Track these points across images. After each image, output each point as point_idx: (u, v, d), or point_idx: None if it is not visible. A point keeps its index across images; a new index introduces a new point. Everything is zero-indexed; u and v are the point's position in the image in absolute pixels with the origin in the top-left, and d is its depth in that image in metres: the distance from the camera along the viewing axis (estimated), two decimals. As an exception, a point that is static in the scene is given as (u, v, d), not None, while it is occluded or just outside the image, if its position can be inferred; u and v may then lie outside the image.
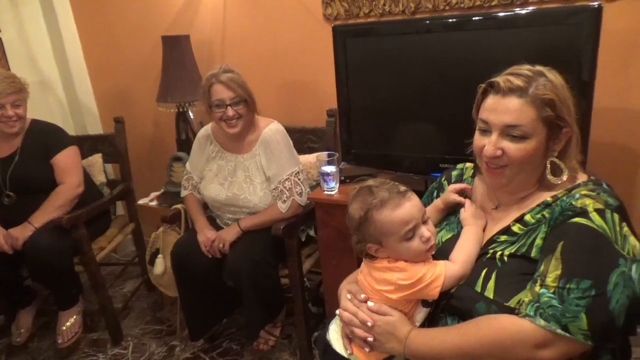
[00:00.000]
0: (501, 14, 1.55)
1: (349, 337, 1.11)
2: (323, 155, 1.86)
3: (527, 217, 1.03)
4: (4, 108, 2.05)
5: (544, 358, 0.89)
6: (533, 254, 0.98)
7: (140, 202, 2.51)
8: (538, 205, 1.03)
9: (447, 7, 1.90)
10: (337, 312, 1.14)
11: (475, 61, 1.53)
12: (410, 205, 1.02)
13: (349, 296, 1.12)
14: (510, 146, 0.99)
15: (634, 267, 0.89)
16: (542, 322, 0.88)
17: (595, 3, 1.36)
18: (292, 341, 2.20)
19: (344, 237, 1.71)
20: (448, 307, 1.05)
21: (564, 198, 0.99)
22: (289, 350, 2.15)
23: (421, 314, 1.06)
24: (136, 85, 2.82)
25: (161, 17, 2.57)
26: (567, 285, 0.88)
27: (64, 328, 2.19)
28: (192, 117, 2.48)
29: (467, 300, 1.01)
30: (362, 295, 1.09)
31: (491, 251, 1.04)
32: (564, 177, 1.01)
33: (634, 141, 1.76)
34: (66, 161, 2.19)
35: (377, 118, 1.84)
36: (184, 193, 2.15)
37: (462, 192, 1.21)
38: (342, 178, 1.88)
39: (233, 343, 2.23)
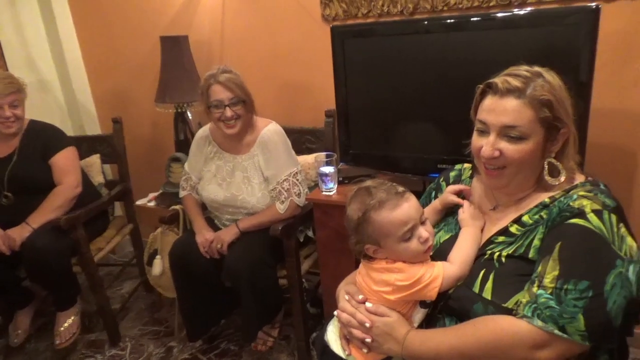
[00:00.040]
0: (499, 15, 1.55)
1: (347, 338, 1.11)
2: (321, 155, 1.86)
3: (525, 218, 1.03)
4: (2, 108, 2.04)
5: (541, 359, 0.90)
6: (531, 254, 0.98)
7: (139, 202, 2.51)
8: (536, 206, 1.03)
9: (445, 8, 1.90)
10: (335, 313, 1.14)
11: (474, 62, 1.53)
12: (408, 206, 1.02)
13: (347, 297, 1.12)
14: (508, 147, 1.00)
15: (631, 268, 0.89)
16: (540, 323, 0.88)
17: (593, 4, 1.37)
18: (290, 342, 2.20)
19: (342, 238, 1.71)
20: (446, 308, 1.05)
21: (562, 199, 0.99)
22: (287, 351, 2.15)
23: (419, 314, 1.07)
24: (134, 86, 2.82)
25: (160, 17, 2.56)
26: (565, 286, 0.88)
27: (62, 329, 2.18)
28: (190, 117, 2.48)
29: (465, 301, 1.01)
30: (360, 296, 1.09)
31: (489, 252, 1.04)
32: (562, 178, 1.02)
33: (632, 142, 1.77)
34: (64, 162, 2.18)
35: (375, 119, 1.84)
36: (182, 194, 2.15)
37: (460, 193, 1.21)
38: (341, 179, 1.88)
39: (231, 344, 2.23)
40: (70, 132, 2.70)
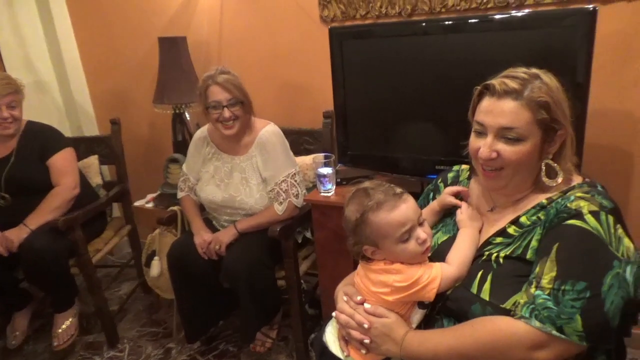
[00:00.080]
0: (497, 17, 1.56)
1: (345, 339, 1.11)
2: (319, 157, 1.86)
3: (523, 219, 1.04)
4: (-1, 109, 2.04)
5: (539, 359, 0.90)
6: (528, 255, 0.99)
7: (137, 203, 2.51)
8: (533, 207, 1.03)
9: (443, 10, 1.90)
10: (334, 314, 1.14)
11: (472, 63, 1.53)
12: (406, 207, 1.03)
13: (345, 298, 1.12)
14: (505, 148, 1.00)
15: (628, 269, 0.89)
16: (538, 324, 0.88)
17: (590, 6, 1.37)
18: (288, 343, 2.20)
19: (340, 239, 1.71)
20: (444, 308, 1.05)
21: (559, 200, 0.99)
22: (286, 352, 2.15)
23: (417, 315, 1.07)
24: (132, 87, 2.82)
25: (158, 18, 2.56)
26: (562, 287, 0.88)
27: (60, 331, 2.18)
28: (188, 118, 2.48)
29: (463, 302, 1.01)
30: (359, 297, 1.09)
31: (487, 253, 1.05)
32: (559, 180, 1.02)
33: (629, 143, 1.77)
34: (62, 163, 2.18)
35: (373, 120, 1.85)
36: (180, 195, 2.15)
37: (458, 195, 1.22)
38: (339, 180, 1.88)
39: (230, 345, 2.23)
40: (68, 133, 2.70)
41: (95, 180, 2.47)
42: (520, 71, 1.01)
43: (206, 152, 2.05)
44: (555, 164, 1.02)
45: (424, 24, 1.70)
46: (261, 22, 2.32)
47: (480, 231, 1.13)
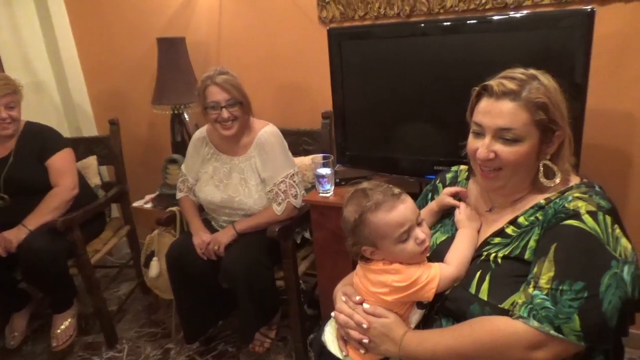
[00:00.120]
0: (495, 18, 1.56)
1: (344, 339, 1.11)
2: (318, 157, 1.86)
3: (521, 220, 1.04)
4: (-2, 110, 2.04)
5: (537, 359, 0.90)
6: (527, 256, 0.99)
7: (135, 204, 2.51)
8: (531, 208, 1.04)
9: (441, 10, 1.91)
10: (333, 314, 1.14)
11: (470, 64, 1.53)
12: (405, 207, 1.03)
13: (344, 298, 1.12)
14: (503, 149, 1.00)
15: (625, 269, 0.90)
16: (536, 324, 0.89)
17: (588, 7, 1.38)
18: (287, 343, 2.20)
19: (339, 240, 1.71)
20: (443, 308, 1.05)
21: (557, 200, 1.00)
22: (285, 353, 2.15)
23: (416, 315, 1.07)
24: (131, 87, 2.82)
25: (157, 18, 2.57)
26: (560, 287, 0.89)
27: (59, 331, 2.18)
28: (187, 119, 2.48)
29: (461, 302, 1.02)
30: (357, 297, 1.09)
31: (485, 253, 1.05)
32: (557, 180, 1.02)
33: (627, 144, 1.78)
34: (61, 163, 2.18)
35: (372, 120, 1.85)
36: (179, 195, 2.15)
37: (456, 196, 1.22)
38: (337, 180, 1.89)
39: (228, 345, 2.23)
40: (66, 133, 2.70)
41: (94, 180, 2.47)
42: (518, 72, 1.02)
43: (205, 152, 2.06)
44: (553, 165, 1.03)
45: (422, 24, 1.71)
46: (260, 23, 2.32)
47: (478, 231, 1.13)
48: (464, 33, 1.58)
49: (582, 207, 0.94)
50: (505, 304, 0.96)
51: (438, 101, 1.66)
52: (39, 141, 2.18)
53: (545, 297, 0.89)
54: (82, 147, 2.51)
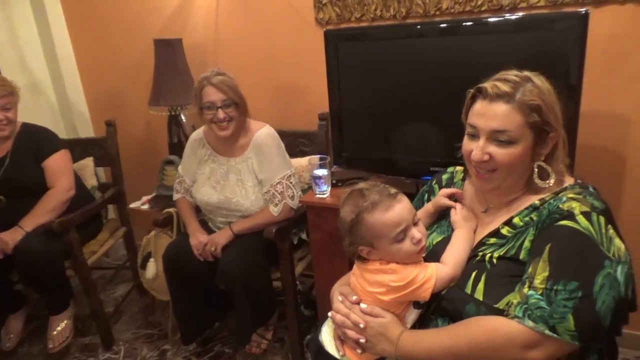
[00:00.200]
0: (491, 20, 1.57)
1: (341, 339, 1.12)
2: (315, 158, 1.87)
3: (516, 220, 1.05)
4: (-6, 112, 2.04)
5: (532, 358, 0.91)
6: (522, 256, 1.00)
7: (132, 205, 2.50)
8: (526, 208, 1.05)
9: (437, 12, 1.92)
10: (330, 314, 1.15)
11: (466, 66, 1.54)
12: (401, 207, 1.03)
13: (340, 298, 1.13)
14: (497, 151, 1.01)
15: (619, 269, 0.90)
16: (531, 323, 0.89)
17: (582, 9, 1.39)
18: (284, 344, 2.20)
19: (336, 240, 1.71)
20: (439, 308, 1.06)
21: (552, 201, 1.01)
22: (281, 354, 2.15)
23: (412, 315, 1.08)
24: (128, 89, 2.82)
25: (154, 19, 2.57)
26: (555, 287, 0.89)
27: (55, 333, 2.18)
28: (184, 120, 2.48)
29: (457, 301, 1.02)
30: (354, 297, 1.10)
31: (481, 254, 1.06)
32: (551, 181, 1.03)
33: (621, 145, 1.79)
34: (57, 164, 2.18)
35: (368, 122, 1.86)
36: (176, 196, 2.15)
37: (452, 197, 1.23)
38: (334, 181, 1.89)
39: (225, 347, 2.23)
40: (63, 134, 2.70)
41: (91, 182, 2.47)
42: (512, 74, 1.03)
43: (202, 153, 2.06)
44: (548, 166, 1.04)
45: (418, 26, 1.72)
46: (257, 25, 2.33)
47: (474, 232, 1.14)
48: (460, 35, 1.59)
49: (576, 207, 0.95)
50: (501, 304, 0.97)
51: (434, 102, 1.66)
52: (36, 142, 2.18)
53: (540, 297, 0.90)
54: (78, 148, 2.50)
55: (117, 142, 2.52)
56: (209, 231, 2.05)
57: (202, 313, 2.09)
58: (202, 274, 1.96)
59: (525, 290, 0.93)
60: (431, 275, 1.03)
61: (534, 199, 1.04)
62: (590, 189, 1.03)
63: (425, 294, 1.03)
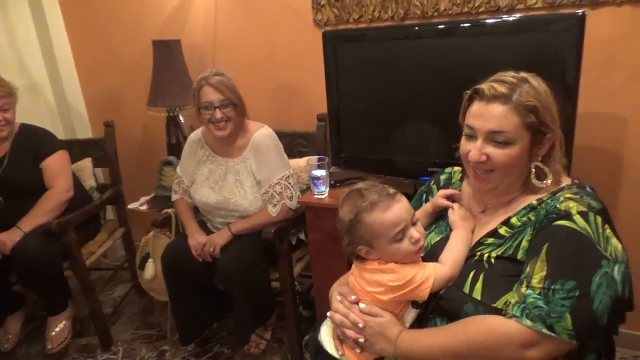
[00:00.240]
0: (488, 21, 1.58)
1: (340, 338, 1.12)
2: (313, 159, 1.87)
3: (514, 220, 1.05)
4: (-7, 112, 2.04)
5: (530, 357, 0.91)
6: (519, 256, 1.00)
7: (131, 206, 2.50)
8: (524, 208, 1.05)
9: (435, 14, 1.92)
10: (329, 313, 1.15)
11: (464, 67, 1.55)
12: (400, 207, 1.04)
13: (339, 298, 1.13)
14: (494, 152, 1.02)
15: (616, 268, 0.91)
16: (529, 323, 0.90)
17: (579, 11, 1.40)
18: (283, 345, 2.20)
19: (334, 241, 1.72)
20: (437, 308, 1.06)
21: (549, 201, 1.01)
22: (280, 354, 2.15)
23: (411, 314, 1.08)
24: (126, 89, 2.82)
25: (152, 20, 2.57)
26: (552, 286, 0.90)
27: (53, 333, 2.17)
28: (182, 121, 2.49)
29: (455, 301, 1.03)
30: (353, 297, 1.10)
31: (479, 253, 1.06)
32: (548, 181, 1.04)
33: (618, 145, 1.80)
34: (55, 165, 2.18)
35: (366, 122, 1.86)
36: (174, 197, 2.15)
37: (450, 197, 1.23)
38: (332, 182, 1.90)
39: (224, 347, 2.23)
40: (61, 135, 2.70)
41: (89, 182, 2.47)
42: (509, 75, 1.03)
43: (200, 154, 2.06)
44: (545, 166, 1.04)
45: (416, 27, 1.73)
46: (255, 26, 2.33)
47: (472, 232, 1.14)
48: (458, 36, 1.60)
49: (574, 207, 0.95)
50: (499, 304, 0.97)
51: (432, 103, 1.67)
52: (34, 143, 2.18)
53: (537, 296, 0.90)
54: (76, 149, 2.50)
55: (115, 143, 2.52)
56: (208, 232, 2.05)
57: (201, 313, 2.09)
58: (200, 274, 1.96)
59: (523, 289, 0.93)
60: (429, 275, 1.04)
61: (532, 199, 1.05)
62: (588, 189, 1.04)
63: (423, 294, 1.04)
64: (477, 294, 1.01)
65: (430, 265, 1.06)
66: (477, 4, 1.84)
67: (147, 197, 2.50)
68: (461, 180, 1.27)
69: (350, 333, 1.07)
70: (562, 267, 0.91)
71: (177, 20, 2.51)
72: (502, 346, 0.93)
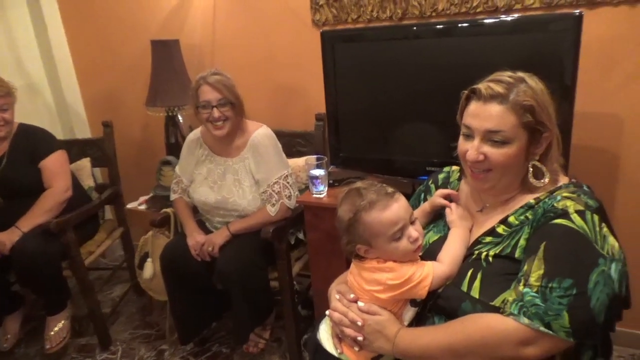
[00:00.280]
0: (486, 21, 1.59)
1: (339, 337, 1.12)
2: (312, 158, 1.88)
3: (511, 219, 1.06)
4: (-9, 112, 2.04)
5: (528, 355, 0.92)
6: (517, 254, 1.01)
7: (129, 206, 2.50)
8: (521, 207, 1.06)
9: (433, 14, 1.93)
10: (327, 312, 1.16)
11: (461, 67, 1.55)
12: (398, 206, 1.04)
13: (338, 296, 1.14)
14: (492, 151, 1.02)
15: (613, 266, 0.92)
16: (526, 321, 0.90)
17: (576, 11, 1.41)
18: (281, 344, 2.21)
19: (333, 240, 1.73)
20: (435, 306, 1.07)
21: (546, 200, 1.02)
22: (279, 353, 2.16)
23: (409, 313, 1.09)
24: (125, 89, 2.82)
25: (151, 20, 2.57)
26: (550, 285, 0.90)
27: (52, 333, 2.17)
28: (181, 121, 2.49)
29: (453, 299, 1.03)
30: (352, 295, 1.11)
31: (477, 252, 1.07)
32: (546, 180, 1.04)
33: (615, 145, 1.81)
34: (54, 165, 2.18)
35: (365, 122, 1.87)
36: (173, 197, 2.15)
37: (448, 197, 1.24)
38: (331, 181, 1.90)
39: (223, 346, 2.23)
40: (60, 135, 2.70)
41: (88, 182, 2.47)
42: (506, 75, 1.04)
43: (199, 154, 2.06)
44: (542, 165, 1.05)
45: (414, 27, 1.73)
46: (254, 26, 2.34)
47: (470, 231, 1.15)
48: (456, 36, 1.60)
49: (571, 206, 0.96)
50: (496, 302, 0.98)
51: (430, 103, 1.68)
52: (32, 143, 2.18)
53: (535, 294, 0.91)
54: (75, 149, 2.50)
55: (114, 143, 2.52)
56: (206, 231, 2.05)
57: (200, 313, 2.09)
58: (199, 274, 1.96)
59: (521, 287, 0.94)
60: (428, 274, 1.04)
61: (529, 198, 1.06)
62: (585, 187, 1.04)
63: (422, 292, 1.04)
64: (475, 293, 1.01)
65: (429, 264, 1.06)
66: (475, 4, 1.84)
67: (146, 197, 2.50)
68: (459, 179, 1.28)
69: (349, 331, 1.08)
70: (560, 265, 0.92)
71: (175, 20, 2.51)
72: (500, 344, 0.93)
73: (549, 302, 0.89)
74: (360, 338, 1.06)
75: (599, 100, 1.77)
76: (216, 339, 2.29)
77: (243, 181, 1.97)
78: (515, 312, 0.92)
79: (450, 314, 1.03)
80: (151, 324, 2.45)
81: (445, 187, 1.29)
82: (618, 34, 1.69)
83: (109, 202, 2.53)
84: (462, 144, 1.08)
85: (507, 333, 0.92)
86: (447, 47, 1.62)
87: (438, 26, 1.65)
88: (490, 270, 1.03)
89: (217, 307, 2.14)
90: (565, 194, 1.00)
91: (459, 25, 1.60)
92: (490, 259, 1.04)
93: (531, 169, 1.05)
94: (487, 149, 1.03)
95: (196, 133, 2.08)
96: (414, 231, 1.05)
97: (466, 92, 1.08)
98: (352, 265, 1.14)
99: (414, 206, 1.31)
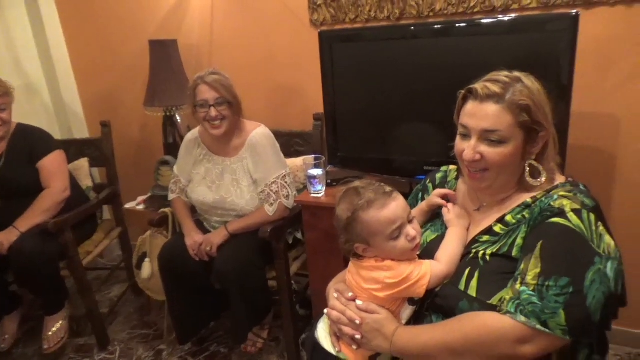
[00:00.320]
0: (483, 21, 1.60)
1: (337, 335, 1.13)
2: (310, 158, 1.88)
3: (508, 218, 1.06)
4: (-11, 112, 2.04)
5: (524, 353, 0.92)
6: (514, 253, 1.01)
7: (127, 206, 2.51)
8: (518, 206, 1.06)
9: (431, 14, 1.94)
10: (326, 311, 1.16)
11: (459, 66, 1.55)
12: (396, 205, 1.05)
13: (336, 295, 1.14)
14: (488, 150, 1.03)
15: (609, 265, 0.92)
16: (523, 319, 0.91)
17: (573, 11, 1.42)
18: (279, 343, 2.21)
19: (331, 240, 1.73)
20: (433, 305, 1.07)
21: (543, 199, 1.02)
22: (277, 353, 2.16)
23: (407, 311, 1.09)
24: (123, 89, 2.82)
25: (149, 20, 2.57)
26: (546, 283, 0.91)
27: (50, 333, 2.17)
28: (179, 121, 2.49)
29: (451, 298, 1.04)
30: (350, 294, 1.11)
31: (474, 251, 1.08)
32: (542, 179, 1.05)
33: (611, 144, 1.82)
34: (52, 165, 2.18)
35: (363, 122, 1.87)
36: (171, 196, 2.15)
37: (445, 197, 1.24)
38: (329, 181, 1.91)
39: (221, 346, 2.23)
40: (58, 135, 2.70)
41: (86, 182, 2.47)
42: (503, 75, 1.04)
43: (197, 153, 2.07)
44: (539, 165, 1.05)
45: (412, 27, 1.74)
46: (252, 26, 2.34)
47: (467, 230, 1.15)
48: (453, 36, 1.61)
49: (567, 205, 0.97)
50: (494, 300, 0.98)
51: (427, 103, 1.68)
52: (30, 143, 2.17)
53: (531, 292, 0.92)
54: (73, 149, 2.50)
55: (112, 143, 2.52)
56: (204, 231, 2.05)
57: (198, 313, 2.09)
58: (197, 273, 1.96)
59: (518, 286, 0.94)
60: (426, 272, 1.04)
61: (526, 197, 1.06)
62: (581, 186, 1.05)
63: (419, 291, 1.04)
64: (472, 291, 1.02)
65: (427, 263, 1.07)
66: (472, 4, 1.85)
67: (144, 197, 2.50)
68: (457, 178, 1.29)
69: (347, 330, 1.08)
70: (556, 264, 0.92)
71: (173, 20, 2.51)
72: (497, 342, 0.94)
73: (545, 300, 0.90)
74: (358, 336, 1.07)
75: (595, 100, 1.78)
76: (214, 338, 2.29)
77: (241, 181, 1.98)
78: (512, 310, 0.93)
79: (447, 313, 1.04)
80: (149, 324, 2.45)
81: (443, 187, 1.30)
82: (615, 34, 1.69)
83: (107, 202, 2.52)
84: (459, 144, 1.09)
85: (504, 331, 0.93)
86: (444, 47, 1.62)
87: (435, 26, 1.66)
88: (488, 269, 1.03)
89: (215, 307, 2.14)
90: (561, 193, 1.00)
91: (457, 25, 1.61)
92: (488, 257, 1.04)
93: (528, 168, 1.06)
94: (484, 148, 1.03)
95: (194, 133, 2.09)
96: (412, 230, 1.05)
97: (463, 91, 1.09)
98: (351, 264, 1.15)
99: (412, 205, 1.32)
